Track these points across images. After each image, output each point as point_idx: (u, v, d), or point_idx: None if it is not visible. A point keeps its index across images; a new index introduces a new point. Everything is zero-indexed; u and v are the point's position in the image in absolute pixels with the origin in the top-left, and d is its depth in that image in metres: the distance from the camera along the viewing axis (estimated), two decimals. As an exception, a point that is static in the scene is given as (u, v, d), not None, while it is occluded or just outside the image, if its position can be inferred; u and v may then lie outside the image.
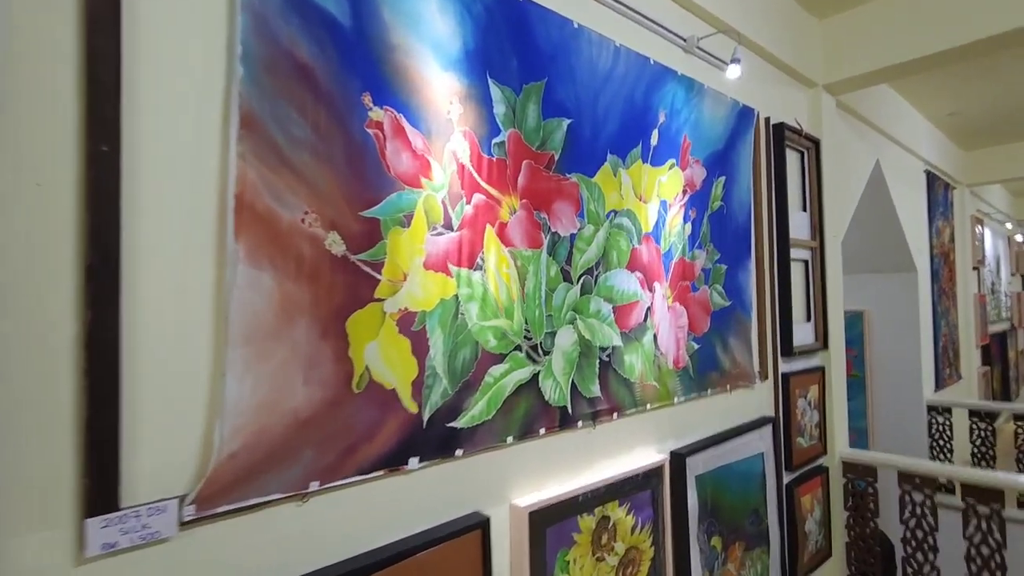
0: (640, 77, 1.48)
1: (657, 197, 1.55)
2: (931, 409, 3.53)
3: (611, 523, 1.34)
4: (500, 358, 1.14)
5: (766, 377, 1.98)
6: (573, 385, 1.29)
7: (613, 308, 1.40)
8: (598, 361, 1.35)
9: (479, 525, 1.07)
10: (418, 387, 1.00)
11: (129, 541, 0.70)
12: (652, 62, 1.51)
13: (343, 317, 0.91)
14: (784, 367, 2.08)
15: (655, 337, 1.52)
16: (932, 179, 3.82)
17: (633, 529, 1.40)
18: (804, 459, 2.12)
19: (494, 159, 1.15)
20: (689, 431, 1.65)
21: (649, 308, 1.51)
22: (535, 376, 1.20)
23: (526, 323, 1.19)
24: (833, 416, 2.30)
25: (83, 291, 0.69)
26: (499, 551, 1.13)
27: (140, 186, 0.74)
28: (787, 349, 2.05)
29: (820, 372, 2.26)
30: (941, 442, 3.51)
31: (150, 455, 0.73)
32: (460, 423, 1.06)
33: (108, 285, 0.71)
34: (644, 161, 1.51)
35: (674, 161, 1.61)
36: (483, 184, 1.12)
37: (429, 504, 1.02)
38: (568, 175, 1.29)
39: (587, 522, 1.29)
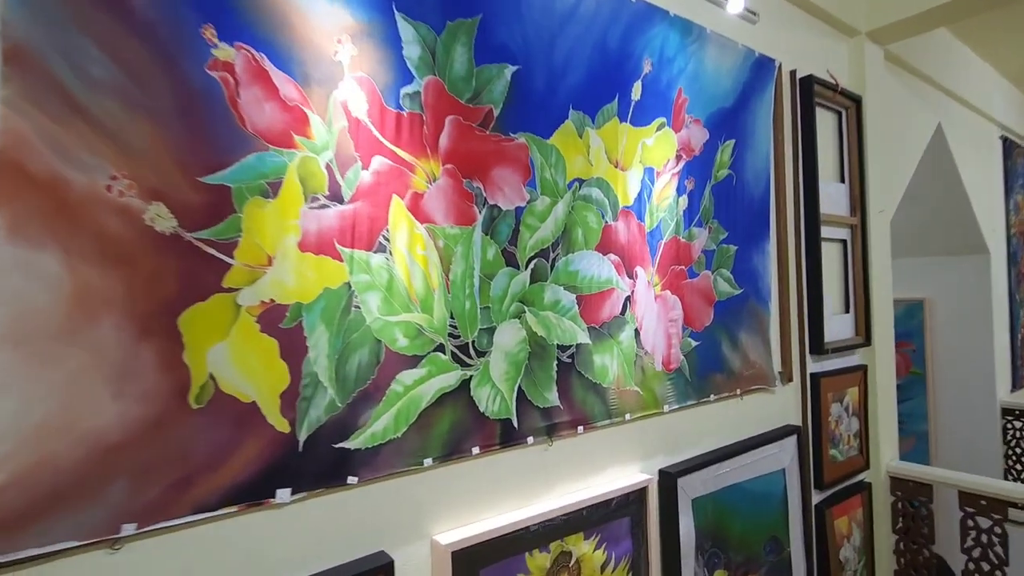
0: (616, 17, 1.21)
1: (640, 163, 1.28)
2: (1006, 412, 3.06)
3: (573, 560, 1.10)
4: (414, 361, 0.92)
5: (790, 379, 1.68)
6: (520, 393, 1.05)
7: (578, 298, 1.15)
8: (556, 363, 1.11)
9: (381, 570, 0.85)
10: (290, 399, 0.80)
11: None
12: (632, -1, 1.24)
13: (175, 312, 0.71)
14: (814, 367, 1.76)
15: (637, 333, 1.25)
16: (1009, 146, 3.29)
17: (604, 567, 1.15)
18: (839, 475, 1.80)
19: (404, 113, 0.92)
20: (684, 445, 1.38)
21: (629, 298, 1.24)
22: (465, 383, 0.97)
23: (451, 317, 0.96)
24: (878, 424, 1.95)
25: None
26: (413, 599, 0.92)
27: None
28: (817, 345, 1.73)
29: (861, 372, 1.92)
30: (1019, 451, 3.04)
31: None
32: (355, 443, 0.85)
33: None
34: (622, 120, 1.24)
35: (664, 120, 1.33)
36: (388, 144, 0.90)
37: (309, 546, 0.82)
38: (513, 135, 1.05)
39: (539, 560, 1.05)
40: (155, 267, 0.70)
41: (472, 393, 0.98)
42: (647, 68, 1.28)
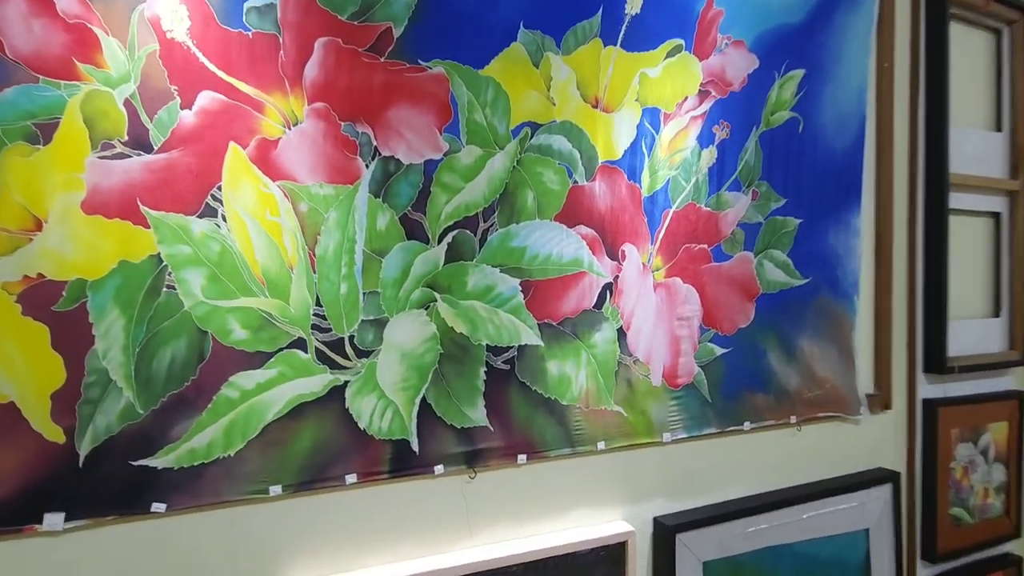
0: None
1: (636, 102, 0.93)
2: None
3: (500, 631, 0.83)
4: (258, 359, 0.71)
5: (886, 406, 1.20)
6: (426, 407, 0.79)
7: (523, 284, 0.85)
8: (484, 370, 0.83)
9: (195, 624, 0.67)
10: (67, 402, 0.63)
11: None
12: None
13: (-103, 286, 0.57)
14: (929, 391, 1.26)
15: (621, 333, 0.93)
16: None
17: (549, 643, 0.86)
18: (966, 543, 1.28)
19: (250, 34, 0.70)
20: (697, 489, 1.02)
21: (610, 286, 0.92)
22: (337, 390, 0.74)
23: (318, 304, 0.73)
24: (1040, 476, 1.37)
25: None
26: (247, 665, 0.72)
27: None
28: (935, 361, 1.23)
29: (1014, 402, 1.35)
30: None
31: None
32: (164, 461, 0.66)
33: None
34: (609, 42, 0.90)
35: (681, 43, 0.96)
36: (222, 75, 0.68)
37: (97, 584, 0.65)
38: (425, 63, 0.78)
39: (444, 628, 0.80)
40: None
41: (348, 404, 0.75)
42: (653, -32, 0.92)
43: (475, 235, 0.82)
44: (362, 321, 0.76)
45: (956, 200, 1.25)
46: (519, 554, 0.83)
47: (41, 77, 0.61)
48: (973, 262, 1.34)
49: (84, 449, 0.63)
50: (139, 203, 0.65)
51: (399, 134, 0.77)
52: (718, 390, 1.01)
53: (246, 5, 0.69)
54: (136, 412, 0.65)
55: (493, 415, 0.84)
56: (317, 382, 0.73)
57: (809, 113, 1.09)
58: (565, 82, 0.88)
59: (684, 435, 0.98)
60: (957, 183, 1.24)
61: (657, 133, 0.95)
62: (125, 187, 0.65)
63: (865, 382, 1.19)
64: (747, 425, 1.04)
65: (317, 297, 0.73)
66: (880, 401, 1.20)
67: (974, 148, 1.30)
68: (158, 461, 0.66)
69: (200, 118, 0.68)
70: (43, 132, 0.61)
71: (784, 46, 1.05)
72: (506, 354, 0.84)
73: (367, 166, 0.76)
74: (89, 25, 0.63)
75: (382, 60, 0.76)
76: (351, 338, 0.75)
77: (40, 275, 0.61)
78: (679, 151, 0.97)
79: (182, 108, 0.67)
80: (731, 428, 1.02)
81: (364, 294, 0.76)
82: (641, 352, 0.94)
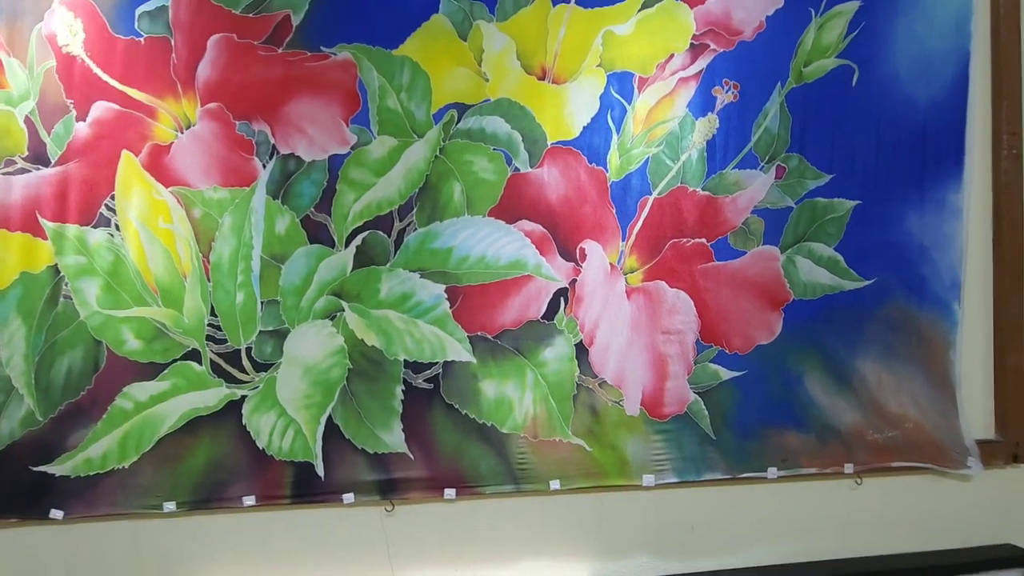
0: None
1: (599, 67, 0.76)
2: None
3: None
4: (151, 370, 0.69)
5: (1015, 458, 0.85)
6: (333, 428, 0.72)
7: (451, 291, 0.74)
8: (401, 388, 0.73)
9: (88, 635, 0.66)
10: (-24, 406, 0.66)
11: None
12: None
13: None
14: None
15: (582, 349, 0.76)
16: None
17: None
18: None
19: (141, 40, 0.69)
20: (698, 548, 0.80)
21: (565, 292, 0.76)
22: (233, 405, 0.70)
23: (213, 314, 0.70)
24: None
25: None
26: None
27: None
28: (1105, 397, 0.84)
29: None
30: None
31: None
32: (61, 469, 0.68)
33: None
34: (559, 0, 0.75)
35: (661, -13, 0.77)
36: (115, 84, 0.68)
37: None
38: (328, 50, 0.71)
39: (351, 678, 0.71)
40: None
41: (245, 421, 0.70)
42: (619, -98, 0.75)
43: (389, 236, 0.73)
44: (260, 332, 0.71)
45: None
46: (438, 606, 0.72)
47: (-50, 102, 0.66)
48: None
49: (-9, 451, 0.66)
50: (38, 216, 0.67)
51: (299, 129, 0.71)
52: (726, 425, 0.79)
53: (138, 11, 0.68)
54: (36, 419, 0.67)
55: (413, 441, 0.73)
56: (212, 396, 0.70)
57: (869, 58, 0.82)
58: (501, 53, 0.75)
59: (675, 479, 0.78)
60: None
61: (629, 103, 0.77)
62: (25, 201, 0.67)
63: (979, 424, 0.86)
64: (773, 472, 0.79)
65: (212, 307, 0.70)
66: (1005, 451, 0.85)
67: None
68: (56, 468, 0.67)
69: (94, 129, 0.68)
70: (-46, 154, 0.66)
71: (820, -25, 0.80)
72: (429, 371, 0.74)
73: (264, 166, 0.71)
74: (-9, 48, 0.66)
75: (280, 51, 0.71)
76: (248, 350, 0.71)
77: (-52, 286, 0.66)
78: (661, 123, 0.78)
79: (77, 120, 0.68)
80: (747, 475, 0.79)
81: (262, 303, 0.71)
82: (610, 373, 0.76)
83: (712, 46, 0.79)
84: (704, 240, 0.79)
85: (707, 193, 0.79)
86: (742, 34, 0.79)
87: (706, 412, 0.78)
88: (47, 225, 0.67)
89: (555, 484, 0.76)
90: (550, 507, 0.77)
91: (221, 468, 0.70)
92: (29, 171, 0.67)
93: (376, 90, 0.72)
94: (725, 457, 0.79)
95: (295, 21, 0.71)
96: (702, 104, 0.78)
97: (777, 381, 0.80)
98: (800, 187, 0.81)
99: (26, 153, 0.67)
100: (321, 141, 0.72)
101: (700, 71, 0.79)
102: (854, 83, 0.82)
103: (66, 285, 0.68)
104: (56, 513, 0.67)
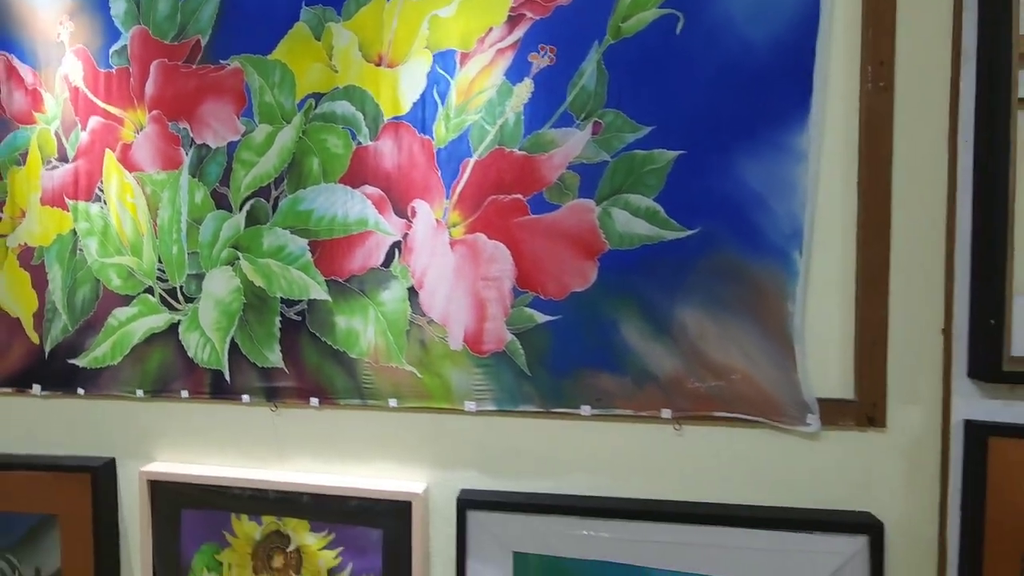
0: None
1: (426, 49, 0.88)
2: None
3: (292, 546, 0.95)
4: (127, 300, 1.01)
5: (871, 421, 0.79)
6: (235, 346, 0.97)
7: (311, 244, 0.93)
8: (279, 319, 0.95)
9: (98, 469, 1.02)
10: (39, 320, 1.05)
11: None
12: None
13: (-26, 249, 1.07)
14: (974, 408, 0.75)
15: (412, 292, 0.90)
16: None
17: (334, 573, 0.94)
18: None
19: (113, 71, 0.99)
20: (522, 470, 0.90)
21: (399, 244, 0.91)
22: (174, 326, 0.99)
23: (160, 262, 0.99)
24: None
25: None
26: (127, 509, 1.04)
27: None
28: (985, 361, 0.73)
29: None
30: None
31: None
32: (82, 362, 1.03)
33: None
34: (392, -6, 0.89)
35: (482, -33, 0.86)
36: (100, 104, 1.00)
37: (56, 435, 1.06)
38: (224, 61, 0.95)
39: (246, 528, 0.97)
40: (-34, 221, 1.07)
41: (180, 337, 0.99)
42: (440, -102, 0.86)
43: (268, 202, 0.95)
44: (188, 275, 0.98)
45: None
46: (298, 483, 0.94)
47: (20, 125, 1.03)
48: None
49: (47, 348, 1.04)
50: (64, 196, 1.02)
51: (208, 125, 0.96)
52: (541, 363, 0.87)
53: (110, 51, 0.99)
54: (68, 329, 1.03)
55: (288, 359, 0.95)
56: (161, 319, 1.00)
57: (696, 3, 0.80)
58: (347, 47, 0.91)
59: (494, 407, 0.89)
60: (1044, 50, 0.70)
61: (452, 77, 0.88)
62: (56, 186, 1.02)
63: (834, 382, 0.81)
64: (586, 410, 0.86)
65: (159, 256, 0.99)
66: (858, 413, 0.79)
67: None
68: (79, 361, 1.03)
69: (90, 135, 1.00)
70: (23, 158, 1.03)
71: (643, -78, 0.81)
72: (298, 306, 0.95)
73: (187, 154, 0.97)
74: (38, 88, 1.02)
75: (194, 67, 0.96)
76: (181, 288, 0.99)
77: (24, 244, 1.04)
78: (480, 92, 0.87)
79: (81, 130, 1.01)
80: (561, 410, 0.87)
81: (188, 254, 0.98)
82: (436, 313, 0.90)
83: (529, 15, 0.85)
84: (520, 196, 0.86)
85: (524, 153, 0.86)
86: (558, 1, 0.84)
87: (522, 351, 0.87)
88: (69, 202, 1.02)
89: (393, 402, 0.92)
90: (395, 420, 0.94)
91: (167, 369, 1.00)
92: (58, 167, 1.02)
93: (256, 89, 0.94)
94: (540, 392, 0.87)
95: (203, 42, 0.95)
96: (519, 71, 0.85)
97: (592, 326, 0.85)
98: (617, 141, 0.83)
99: (56, 155, 1.02)
100: (222, 132, 0.96)
101: (517, 40, 0.85)
102: (679, 31, 0.81)
103: (80, 241, 1.02)
104: (80, 390, 1.04)
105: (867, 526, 0.78)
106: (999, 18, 0.71)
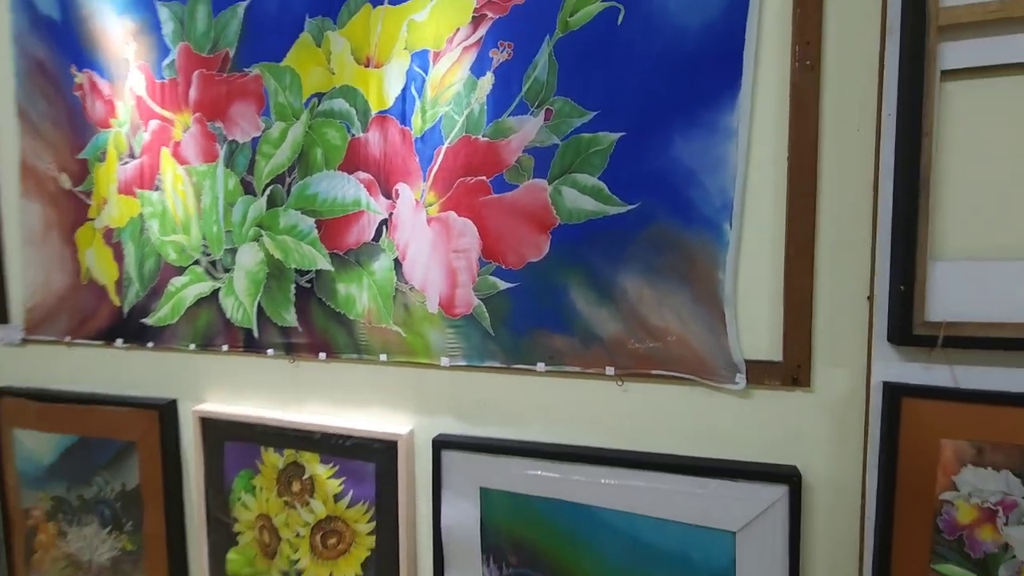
0: None
1: (405, 50, 1.01)
2: None
3: (307, 475, 1.15)
4: (180, 270, 1.23)
5: (795, 381, 0.84)
6: (261, 308, 1.17)
7: (318, 223, 1.10)
8: (294, 286, 1.14)
9: (163, 407, 1.26)
10: (120, 286, 1.30)
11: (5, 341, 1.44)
12: None
13: (73, 230, 1.34)
14: (893, 371, 0.79)
15: (397, 263, 1.05)
16: None
17: (338, 497, 1.12)
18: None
19: (166, 81, 1.20)
20: (489, 418, 1.03)
21: (386, 222, 1.05)
22: (216, 292, 1.21)
23: (204, 239, 1.20)
24: None
25: (-11, 218, 1.44)
26: (185, 440, 1.28)
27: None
28: (900, 326, 0.76)
29: None
30: None
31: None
32: (151, 321, 1.28)
33: (-4, 215, 1.44)
34: (376, 4, 1.02)
35: (450, -25, 0.97)
36: (157, 109, 1.22)
37: (136, 378, 1.31)
38: (247, 70, 1.13)
39: (272, 458, 1.18)
40: (65, 206, 1.34)
41: (220, 301, 1.20)
42: (414, -85, 0.97)
43: (284, 187, 1.13)
44: (225, 249, 1.19)
45: (957, 53, 0.71)
46: (310, 423, 1.13)
47: (100, 129, 1.27)
48: (993, 159, 0.72)
49: (126, 309, 1.30)
50: (133, 186, 1.26)
51: (236, 124, 1.15)
52: (503, 325, 0.99)
53: (163, 64, 1.20)
54: (140, 294, 1.28)
55: (301, 320, 1.14)
56: (207, 286, 1.21)
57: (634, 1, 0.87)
58: (341, 52, 1.05)
59: (464, 363, 1.02)
60: (958, 23, 0.71)
61: (427, 74, 1.00)
62: (128, 179, 1.26)
63: (764, 345, 0.87)
64: (541, 366, 0.97)
65: (204, 234, 1.20)
66: (784, 373, 0.85)
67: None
68: (148, 320, 1.28)
69: (151, 136, 1.23)
70: (103, 156, 1.28)
71: (587, -75, 0.88)
72: (308, 275, 1.12)
73: (221, 148, 1.17)
74: (112, 98, 1.25)
75: (225, 75, 1.15)
76: (220, 260, 1.20)
77: (107, 225, 1.29)
78: (450, 86, 0.99)
79: (144, 132, 1.23)
80: (520, 366, 0.99)
81: (225, 232, 1.18)
82: (417, 280, 1.04)
83: (490, 15, 0.95)
84: (484, 178, 0.98)
85: (487, 139, 0.97)
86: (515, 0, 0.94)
87: (487, 314, 1.00)
88: (138, 191, 1.25)
89: (383, 357, 1.08)
90: (385, 373, 1.10)
91: (212, 327, 1.22)
92: (128, 163, 1.26)
93: (272, 91, 1.11)
94: (503, 350, 1.00)
95: (231, 54, 1.14)
96: (482, 66, 0.96)
97: (545, 292, 0.96)
98: (566, 126, 0.93)
99: (127, 152, 1.26)
100: (247, 129, 1.14)
101: (480, 38, 0.96)
102: (620, 21, 0.88)
103: (146, 223, 1.26)
104: (150, 344, 1.29)
105: (787, 477, 0.84)
106: (919, -7, 0.73)
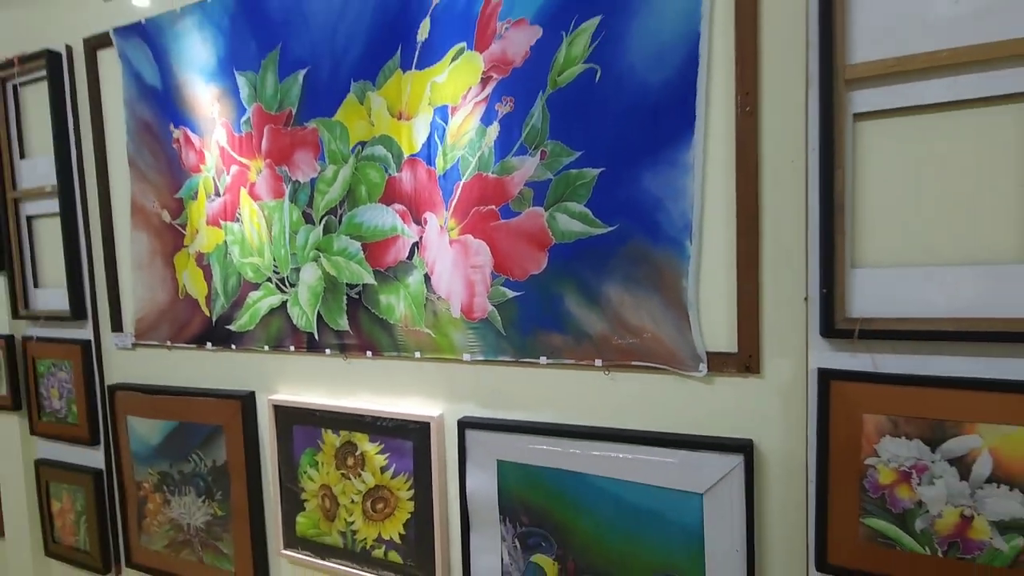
0: (394, -34, 1.25)
1: (429, 106, 1.25)
2: None
3: (359, 451, 1.40)
4: (256, 286, 1.52)
5: (748, 368, 1.02)
6: (320, 316, 1.44)
7: (364, 245, 1.36)
8: (345, 297, 1.40)
9: (244, 397, 1.56)
10: (209, 300, 1.61)
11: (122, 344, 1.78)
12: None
13: (172, 256, 1.66)
14: (824, 359, 0.96)
15: (427, 278, 1.29)
16: None
17: (384, 470, 1.37)
18: (886, 569, 0.92)
19: (243, 134, 1.50)
20: (504, 404, 1.25)
21: (417, 244, 1.30)
22: (285, 303, 1.49)
23: (275, 260, 1.49)
24: None
25: (106, 247, 1.79)
26: (262, 424, 1.56)
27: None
28: (827, 322, 0.93)
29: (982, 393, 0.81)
30: None
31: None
32: (234, 328, 1.57)
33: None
34: (406, 68, 1.27)
35: (463, 45, 1.20)
36: (236, 157, 1.51)
37: (220, 376, 1.61)
38: (306, 124, 1.40)
39: (331, 438, 1.44)
40: (166, 236, 1.66)
41: (288, 311, 1.48)
42: (435, -2, 1.22)
43: (336, 218, 1.39)
44: (291, 268, 1.46)
45: (864, 99, 0.88)
46: (360, 408, 1.38)
47: (192, 174, 1.58)
48: (899, 184, 0.87)
49: (214, 319, 1.60)
50: (219, 219, 1.56)
51: (298, 167, 1.42)
52: (512, 326, 1.21)
53: (240, 121, 1.49)
54: (225, 306, 1.58)
55: (352, 325, 1.40)
56: (277, 299, 1.49)
57: (609, 58, 1.08)
58: (379, 108, 1.31)
59: (482, 358, 1.25)
60: (861, 76, 0.88)
61: (447, 124, 1.24)
62: (214, 213, 1.56)
63: (723, 340, 1.05)
64: (543, 360, 1.19)
65: (274, 257, 1.49)
66: (739, 362, 1.03)
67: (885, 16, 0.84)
68: (232, 327, 1.57)
69: (232, 178, 1.52)
70: (195, 195, 1.59)
71: (569, 5, 1.10)
72: (356, 288, 1.38)
73: (287, 187, 1.45)
74: (202, 149, 1.56)
75: (289, 129, 1.43)
76: (287, 277, 1.47)
77: (199, 251, 1.60)
78: (465, 134, 1.22)
79: (226, 175, 1.53)
80: (526, 360, 1.20)
81: (291, 254, 1.46)
82: (443, 291, 1.28)
83: (495, 76, 1.18)
84: (494, 207, 1.21)
85: (495, 176, 1.20)
86: (514, 63, 1.16)
87: (499, 318, 1.22)
88: (222, 223, 1.55)
89: (418, 354, 1.32)
90: (419, 368, 1.34)
91: (281, 332, 1.50)
92: (215, 200, 1.56)
93: (327, 140, 1.38)
94: (512, 347, 1.22)
95: (293, 112, 1.42)
96: (489, 117, 1.19)
97: (545, 299, 1.17)
98: (557, 163, 1.14)
99: (213, 191, 1.56)
100: (307, 171, 1.41)
101: (488, 95, 1.19)
102: (597, 80, 1.09)
103: (229, 248, 1.55)
104: (233, 347, 1.58)
105: (743, 448, 1.02)
106: (830, 51, 0.91)
